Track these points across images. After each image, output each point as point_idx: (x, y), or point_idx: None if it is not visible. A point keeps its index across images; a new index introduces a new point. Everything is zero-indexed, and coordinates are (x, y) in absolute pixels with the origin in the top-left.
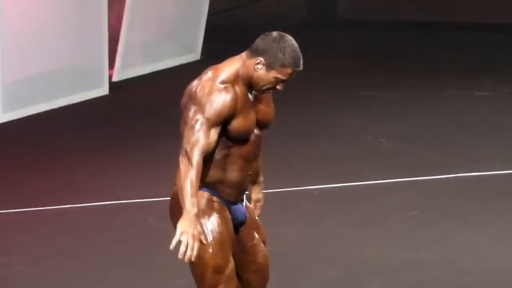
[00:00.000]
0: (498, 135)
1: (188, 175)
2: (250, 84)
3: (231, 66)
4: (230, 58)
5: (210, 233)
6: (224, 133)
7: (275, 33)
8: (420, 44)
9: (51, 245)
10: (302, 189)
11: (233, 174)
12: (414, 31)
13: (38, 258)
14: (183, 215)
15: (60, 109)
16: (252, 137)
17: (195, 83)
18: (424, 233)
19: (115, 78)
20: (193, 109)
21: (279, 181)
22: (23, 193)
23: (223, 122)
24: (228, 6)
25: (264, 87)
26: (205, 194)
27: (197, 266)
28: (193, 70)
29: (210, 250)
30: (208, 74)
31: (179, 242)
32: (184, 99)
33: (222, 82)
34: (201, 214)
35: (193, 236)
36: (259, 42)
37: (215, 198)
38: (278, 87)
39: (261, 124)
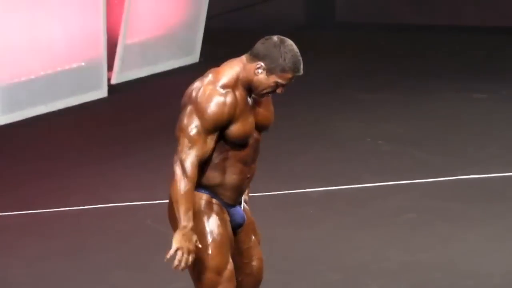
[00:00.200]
0: (496, 138)
1: (184, 188)
2: (249, 87)
3: (231, 70)
4: (230, 60)
5: (209, 235)
6: (223, 138)
7: (275, 38)
8: (418, 46)
9: (48, 248)
10: (300, 192)
11: (232, 177)
12: (412, 33)
13: (36, 261)
14: (178, 229)
15: (59, 111)
16: (251, 141)
17: (196, 85)
18: (423, 235)
19: (113, 81)
20: (191, 113)
21: (277, 183)
22: (21, 196)
23: (220, 129)
24: (227, 9)
25: (264, 91)
26: (204, 196)
27: (196, 267)
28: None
29: (209, 252)
30: (209, 77)
31: (174, 253)
32: (184, 99)
33: (223, 87)
34: (201, 215)
35: (188, 250)
36: (259, 46)
37: (214, 200)
38: (277, 91)
39: (260, 127)
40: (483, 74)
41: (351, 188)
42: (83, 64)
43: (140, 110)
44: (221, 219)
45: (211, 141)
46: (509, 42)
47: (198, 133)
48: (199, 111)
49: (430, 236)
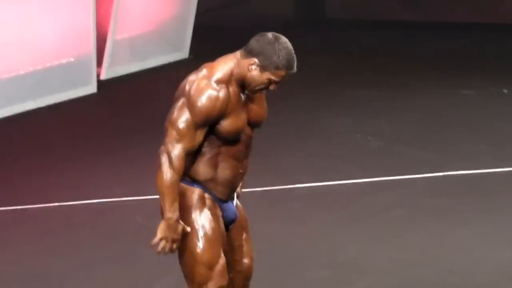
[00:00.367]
0: (485, 134)
1: (170, 180)
2: (243, 83)
3: (226, 65)
4: (225, 56)
5: (201, 229)
6: (214, 133)
7: (270, 35)
8: (408, 43)
9: (38, 244)
10: (290, 188)
11: (224, 172)
12: (401, 30)
13: (26, 257)
14: (164, 219)
15: (48, 107)
16: (243, 137)
17: (190, 78)
18: (412, 231)
19: (103, 76)
20: (183, 106)
21: (267, 179)
22: (9, 192)
23: (210, 124)
24: (216, 5)
25: (257, 88)
26: (196, 191)
27: (187, 262)
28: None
29: (201, 246)
30: (204, 71)
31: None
32: (177, 92)
33: (217, 82)
34: (193, 209)
35: (173, 240)
36: (254, 43)
37: (206, 195)
38: (271, 87)
39: (252, 124)
40: (472, 71)
41: (340, 184)
42: (72, 59)
43: (129, 106)
44: (214, 214)
45: (200, 135)
46: (497, 38)
47: (187, 126)
48: (191, 104)
49: (419, 232)
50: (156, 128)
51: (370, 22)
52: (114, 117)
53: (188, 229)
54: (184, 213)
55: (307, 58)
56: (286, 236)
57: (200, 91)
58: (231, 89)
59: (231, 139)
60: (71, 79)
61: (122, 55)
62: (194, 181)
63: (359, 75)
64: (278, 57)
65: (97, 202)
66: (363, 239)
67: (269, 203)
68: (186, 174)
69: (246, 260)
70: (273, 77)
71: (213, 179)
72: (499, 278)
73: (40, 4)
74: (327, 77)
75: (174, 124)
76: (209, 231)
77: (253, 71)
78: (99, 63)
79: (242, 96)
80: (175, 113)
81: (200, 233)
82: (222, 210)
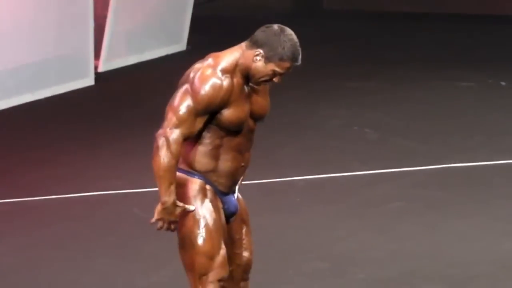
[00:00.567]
0: (483, 126)
1: (167, 163)
2: (247, 75)
3: (231, 55)
4: (231, 48)
5: (202, 220)
6: (216, 123)
7: (276, 26)
8: (405, 35)
9: (36, 236)
10: (288, 180)
11: (226, 164)
12: (399, 22)
13: (23, 249)
14: (160, 202)
15: (46, 99)
16: (245, 129)
17: (196, 66)
18: (409, 223)
19: (101, 69)
20: (185, 92)
21: (265, 172)
22: (7, 184)
23: (211, 112)
24: None
25: (261, 79)
26: (198, 182)
27: (188, 252)
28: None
29: (202, 237)
30: (209, 61)
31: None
32: (182, 79)
33: (222, 71)
34: (194, 200)
35: (169, 221)
36: (259, 34)
37: (208, 187)
38: (275, 79)
39: (255, 116)
40: (470, 63)
41: (338, 176)
42: (70, 52)
43: (127, 98)
44: (215, 205)
45: (199, 122)
46: (495, 30)
47: (188, 112)
48: (194, 91)
49: (417, 224)
50: (154, 121)
51: (368, 13)
52: (111, 110)
53: (192, 207)
54: (185, 204)
55: (305, 49)
56: (283, 228)
57: (205, 79)
58: (235, 79)
59: (233, 130)
60: (68, 71)
61: (120, 48)
62: (196, 172)
63: (356, 67)
64: (283, 48)
65: (95, 195)
66: (360, 231)
67: (266, 196)
68: (188, 165)
69: (245, 254)
70: (277, 69)
71: (214, 171)
72: (496, 270)
73: None
74: (324, 69)
75: (174, 109)
76: (210, 222)
77: (258, 62)
78: (97, 55)
79: (246, 88)
80: (177, 98)
81: (201, 224)
82: (223, 202)
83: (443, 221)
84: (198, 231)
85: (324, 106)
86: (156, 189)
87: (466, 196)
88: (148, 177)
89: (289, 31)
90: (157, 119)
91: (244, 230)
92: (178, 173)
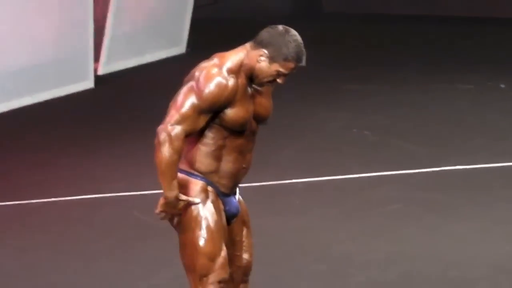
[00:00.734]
0: (482, 129)
1: (170, 159)
2: (251, 76)
3: (236, 56)
4: (235, 48)
5: (203, 221)
6: (219, 122)
7: (280, 27)
8: (405, 37)
9: (35, 238)
10: (287, 182)
11: (227, 165)
12: (399, 24)
13: (22, 252)
14: (163, 197)
15: (45, 102)
16: (248, 130)
17: (202, 65)
18: (409, 226)
19: (100, 71)
20: (190, 89)
21: (264, 174)
22: (6, 186)
23: (214, 111)
24: None
25: (265, 80)
26: (200, 183)
27: (189, 253)
28: (178, 63)
29: (203, 238)
30: (215, 60)
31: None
32: (187, 77)
33: (228, 71)
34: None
35: (172, 214)
36: (264, 34)
37: (209, 188)
38: (279, 80)
39: (258, 118)
40: (469, 65)
41: (337, 178)
42: (69, 55)
43: (126, 101)
44: (216, 207)
45: (202, 120)
46: (495, 33)
47: (191, 109)
48: (199, 89)
49: (416, 226)
50: (153, 123)
51: (368, 16)
52: (111, 112)
53: (197, 200)
54: (187, 205)
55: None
56: (283, 231)
57: (210, 77)
58: (239, 80)
59: (236, 130)
60: (68, 74)
61: (120, 50)
62: (197, 174)
63: (356, 69)
64: (288, 48)
65: (95, 197)
66: (360, 234)
67: (265, 198)
68: (190, 166)
69: (246, 256)
70: (281, 69)
71: (216, 172)
72: (496, 272)
73: None
74: (324, 71)
75: (178, 105)
76: (211, 223)
77: (262, 62)
78: (97, 58)
79: (249, 90)
80: (181, 95)
81: (203, 225)
82: (224, 204)
83: (442, 223)
84: (200, 232)
85: (324, 109)
86: (156, 191)
87: (466, 199)
88: (148, 179)
89: (293, 31)
90: (157, 122)
91: (244, 232)
92: (179, 174)
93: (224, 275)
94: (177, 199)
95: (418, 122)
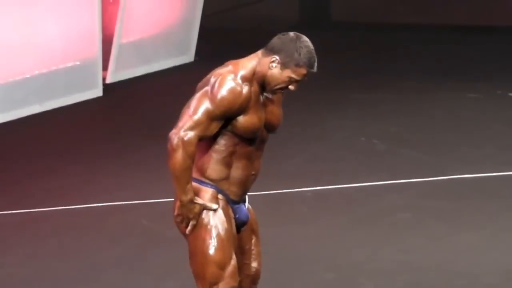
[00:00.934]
0: (490, 137)
1: (184, 165)
2: (263, 83)
3: (249, 63)
4: (248, 56)
5: (214, 229)
6: (231, 129)
7: (292, 33)
8: (413, 46)
9: (43, 247)
10: (295, 191)
11: (237, 172)
12: (406, 33)
13: (31, 260)
14: (179, 201)
15: (54, 110)
16: (258, 138)
17: (216, 71)
18: (417, 235)
19: (108, 80)
20: (204, 95)
21: (272, 182)
22: (15, 195)
23: (227, 118)
24: (222, 8)
25: (277, 87)
26: (210, 191)
27: (198, 261)
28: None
29: (214, 246)
30: (229, 67)
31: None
32: (200, 84)
33: (242, 78)
34: (206, 209)
35: (188, 219)
36: (275, 41)
37: (220, 196)
38: (291, 87)
39: (269, 127)
40: (477, 74)
41: (346, 187)
42: (78, 63)
43: (135, 109)
44: (226, 215)
45: (214, 127)
46: (503, 41)
47: (205, 115)
48: (214, 95)
49: (424, 235)
50: (162, 131)
51: (376, 25)
52: (119, 121)
53: (215, 206)
54: (203, 210)
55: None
56: (291, 239)
57: (225, 85)
58: (253, 88)
59: (247, 137)
60: (76, 82)
61: (128, 59)
62: (208, 182)
63: (364, 78)
64: (299, 54)
65: (103, 205)
66: (368, 242)
67: (273, 206)
68: (201, 174)
69: (254, 264)
70: (293, 75)
71: (227, 179)
72: (504, 282)
73: (46, 7)
74: (332, 80)
75: (192, 111)
76: (221, 232)
77: (274, 68)
78: (105, 66)
79: (261, 98)
80: (195, 100)
81: (213, 233)
82: (234, 212)
83: (450, 232)
84: (210, 241)
85: (332, 117)
86: (164, 200)
87: (474, 207)
88: (156, 188)
89: (305, 38)
90: (166, 130)
91: (253, 241)
92: None
93: (234, 283)
94: (192, 201)
95: (426, 131)
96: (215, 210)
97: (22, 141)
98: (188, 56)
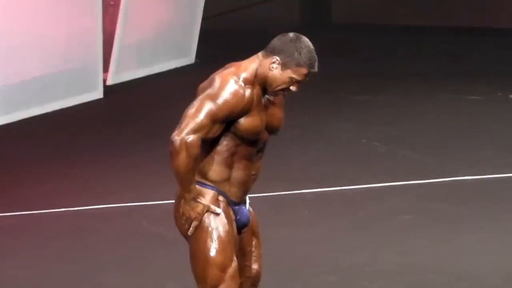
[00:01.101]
0: (492, 139)
1: (187, 167)
2: (264, 85)
3: (251, 66)
4: (249, 58)
5: (215, 231)
6: (233, 130)
7: (291, 34)
8: (414, 48)
9: (45, 249)
10: (296, 193)
11: (238, 172)
12: (407, 35)
13: (32, 262)
14: (183, 200)
15: (54, 112)
16: (260, 140)
17: (219, 73)
18: (418, 237)
19: (109, 82)
20: (207, 97)
21: (274, 184)
22: (16, 197)
23: (230, 120)
24: (222, 10)
25: (278, 88)
26: (211, 193)
27: (199, 263)
28: (187, 74)
29: (215, 248)
30: (232, 69)
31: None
32: (203, 85)
33: (244, 81)
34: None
35: (190, 219)
36: (275, 41)
37: (221, 198)
38: (292, 88)
39: (270, 129)
40: (478, 76)
41: (347, 189)
42: (78, 65)
43: (136, 111)
44: (228, 216)
45: (217, 129)
46: (504, 43)
47: (207, 117)
48: (217, 97)
49: (425, 237)
50: (163, 134)
51: (376, 27)
52: (120, 123)
53: (218, 210)
54: (206, 211)
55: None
56: (292, 241)
57: (228, 87)
58: (255, 90)
59: (249, 139)
60: (77, 84)
61: (129, 61)
62: (209, 184)
63: (365, 80)
64: (300, 54)
65: (104, 208)
66: (369, 244)
67: (275, 208)
68: (202, 176)
69: (255, 266)
70: (294, 76)
71: (228, 180)
72: (506, 283)
73: (47, 9)
74: (333, 82)
75: (194, 113)
76: (222, 234)
77: (275, 69)
78: (106, 68)
79: (263, 100)
80: (198, 102)
81: (214, 236)
82: (236, 213)
83: (452, 234)
84: (211, 243)
85: (333, 119)
86: (165, 202)
87: (475, 210)
88: (157, 190)
89: (305, 38)
90: (166, 132)
91: (254, 243)
92: None
93: (235, 285)
94: (195, 199)
95: (427, 133)
96: (217, 214)
97: (22, 143)
98: (188, 58)
